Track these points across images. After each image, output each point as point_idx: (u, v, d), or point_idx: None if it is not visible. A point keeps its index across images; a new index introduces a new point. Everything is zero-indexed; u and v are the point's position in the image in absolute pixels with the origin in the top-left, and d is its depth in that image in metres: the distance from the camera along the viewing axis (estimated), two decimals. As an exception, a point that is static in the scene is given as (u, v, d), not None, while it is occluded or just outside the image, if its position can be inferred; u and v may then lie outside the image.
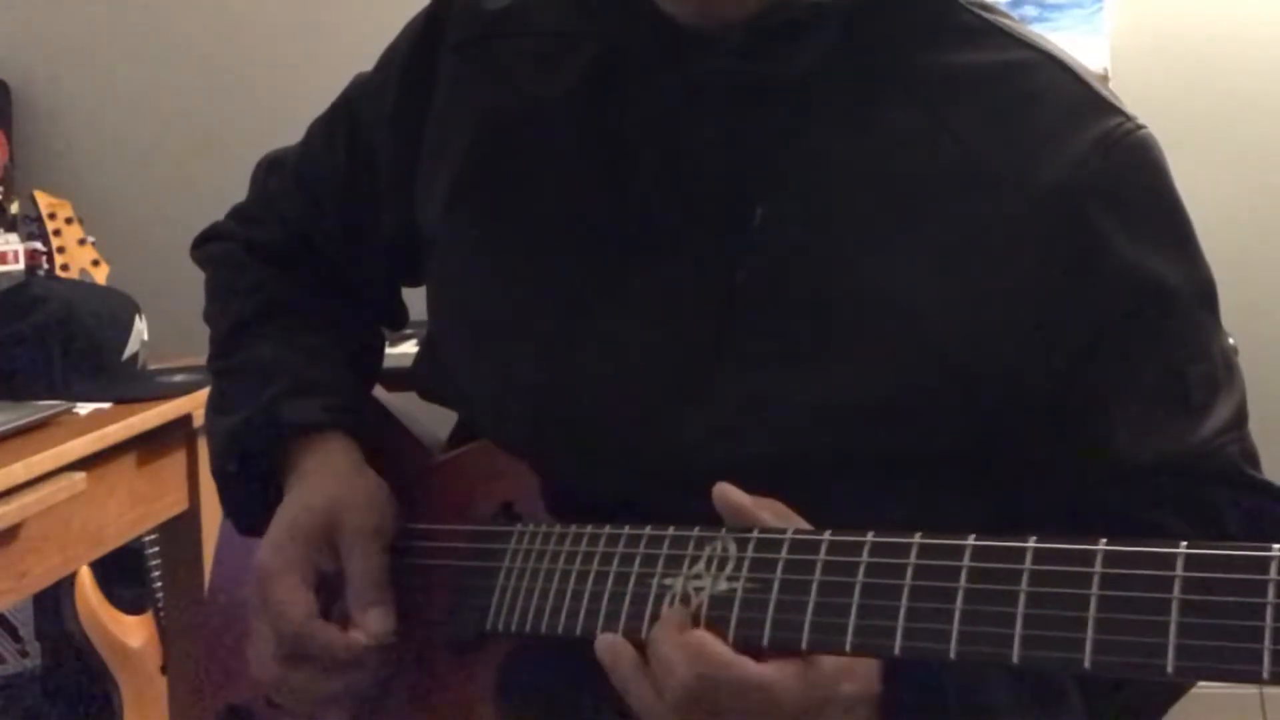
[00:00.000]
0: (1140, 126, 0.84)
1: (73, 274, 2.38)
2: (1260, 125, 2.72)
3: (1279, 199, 2.73)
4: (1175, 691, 0.85)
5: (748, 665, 0.70)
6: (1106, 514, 0.81)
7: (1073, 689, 0.79)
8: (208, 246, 1.11)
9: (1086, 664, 0.61)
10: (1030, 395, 0.82)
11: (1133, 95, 0.88)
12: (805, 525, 0.74)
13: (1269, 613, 0.56)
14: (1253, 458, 0.86)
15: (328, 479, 0.94)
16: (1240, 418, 0.86)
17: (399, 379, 1.08)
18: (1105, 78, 0.87)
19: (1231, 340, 0.92)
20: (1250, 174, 2.72)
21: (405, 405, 1.08)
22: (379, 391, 1.09)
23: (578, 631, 0.79)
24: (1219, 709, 0.78)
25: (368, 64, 1.08)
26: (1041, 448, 0.83)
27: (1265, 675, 0.56)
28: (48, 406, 1.80)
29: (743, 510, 0.74)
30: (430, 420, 1.06)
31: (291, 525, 0.91)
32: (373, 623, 0.87)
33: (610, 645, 0.75)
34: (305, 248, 1.06)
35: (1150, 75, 2.69)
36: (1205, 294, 0.86)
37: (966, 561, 0.65)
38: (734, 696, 0.70)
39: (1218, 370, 0.85)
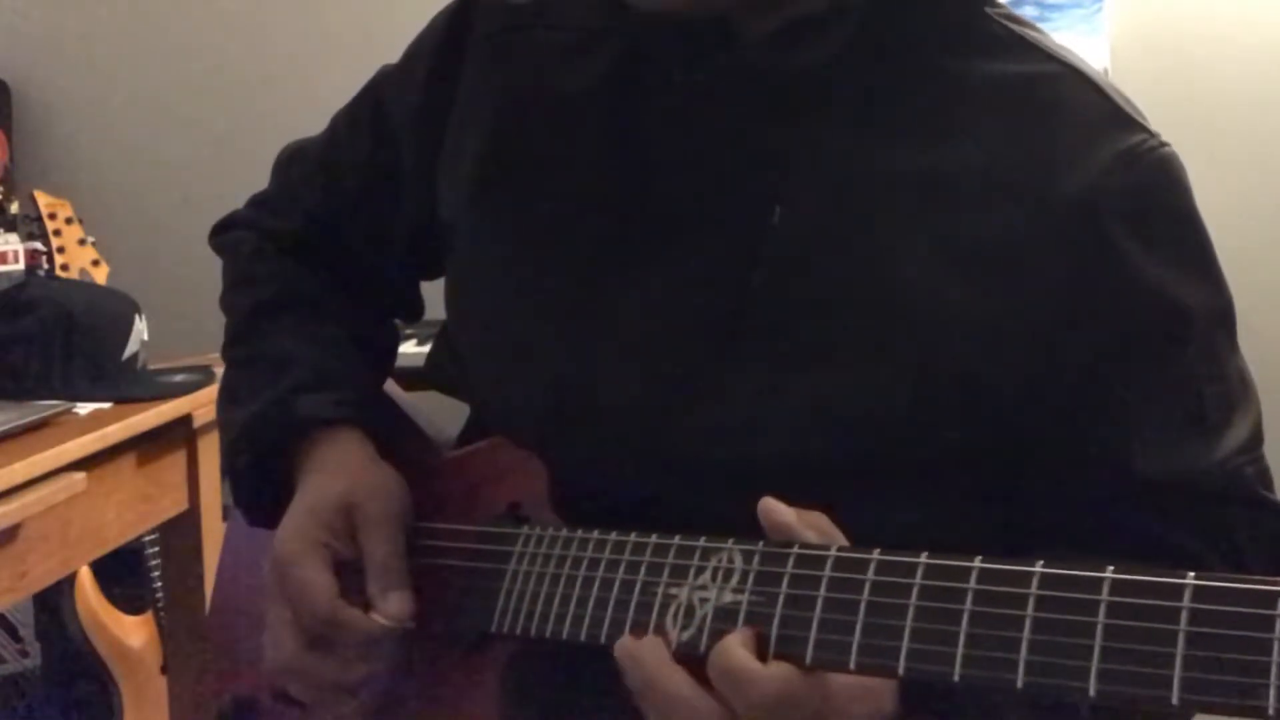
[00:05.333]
0: (1163, 144, 0.83)
1: (73, 274, 2.37)
2: (1260, 125, 2.72)
3: (1279, 199, 2.73)
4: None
5: (766, 675, 0.69)
6: (1120, 530, 0.81)
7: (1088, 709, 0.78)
8: (226, 234, 1.12)
9: (1092, 693, 0.60)
10: (1044, 406, 0.82)
11: (1133, 95, 0.87)
12: (846, 543, 0.73)
13: (1276, 648, 0.56)
14: (1267, 478, 0.86)
15: (343, 470, 0.94)
16: (1256, 438, 0.85)
17: (410, 377, 1.08)
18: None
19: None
20: (1250, 174, 2.71)
21: (416, 403, 1.08)
22: (391, 388, 1.09)
23: (582, 637, 0.79)
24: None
25: (367, 62, 1.08)
26: (1056, 460, 0.83)
27: (1271, 711, 0.55)
28: (48, 406, 1.80)
29: (787, 529, 0.72)
30: (441, 419, 1.06)
31: (309, 513, 0.91)
32: (392, 605, 0.87)
33: (627, 649, 0.74)
34: (325, 237, 1.07)
35: (1150, 75, 2.69)
36: (1223, 315, 0.86)
37: (973, 584, 0.65)
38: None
39: (1234, 390, 0.85)
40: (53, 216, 2.42)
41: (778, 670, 0.69)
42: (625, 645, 0.74)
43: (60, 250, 2.40)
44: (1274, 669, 0.55)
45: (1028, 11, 2.74)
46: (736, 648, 0.70)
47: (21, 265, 2.33)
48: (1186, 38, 2.73)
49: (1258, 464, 0.85)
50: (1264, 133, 2.72)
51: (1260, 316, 2.59)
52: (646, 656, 0.73)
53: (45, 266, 2.38)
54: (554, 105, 0.92)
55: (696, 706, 0.70)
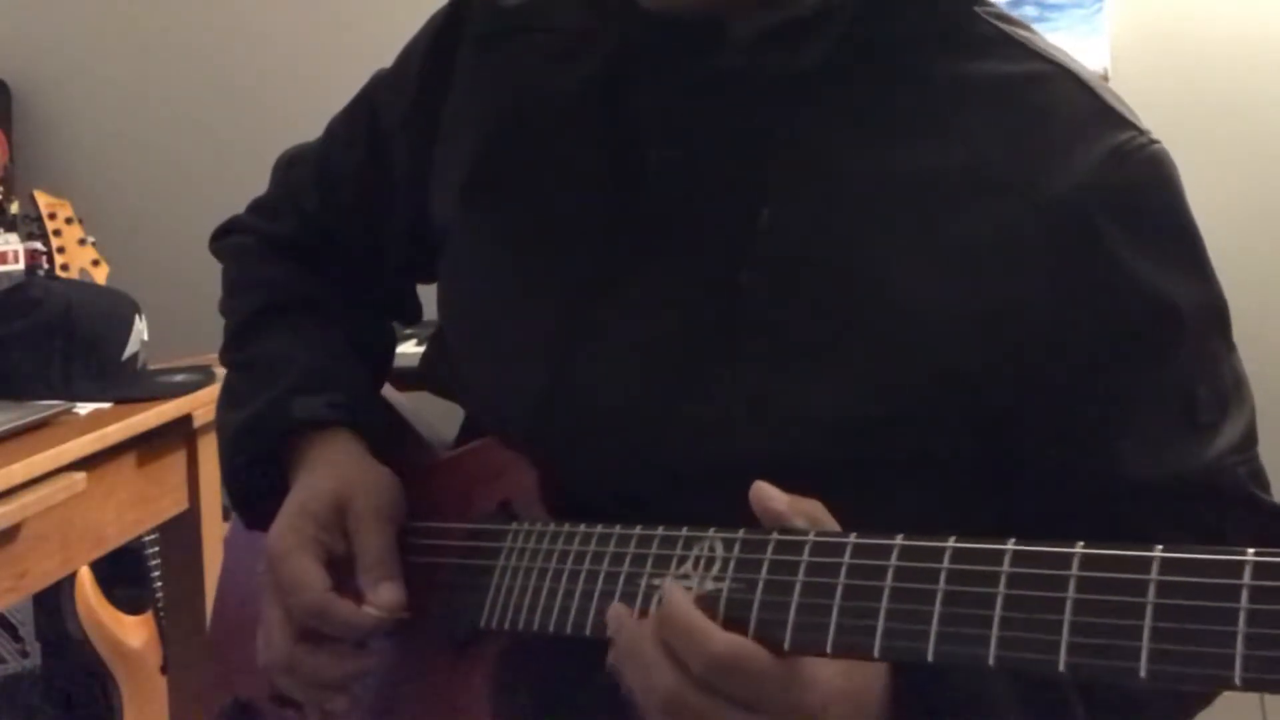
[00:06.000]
0: (1154, 141, 0.83)
1: (73, 274, 2.38)
2: (1260, 125, 2.72)
3: (1279, 199, 2.73)
4: (1184, 708, 0.85)
5: (724, 636, 0.69)
6: (1111, 529, 0.80)
7: (1077, 702, 0.78)
8: (225, 240, 1.13)
9: (1061, 667, 0.60)
10: (1037, 405, 0.82)
11: (1133, 95, 0.87)
12: (837, 528, 0.73)
13: (1242, 618, 0.56)
14: (1260, 478, 0.86)
15: (335, 467, 0.94)
16: (1249, 439, 0.85)
17: (407, 378, 1.09)
18: (1105, 78, 0.88)
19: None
20: (1250, 174, 2.71)
21: (413, 405, 1.08)
22: (388, 390, 1.09)
23: (568, 629, 0.80)
24: (1217, 707, 0.78)
25: (366, 63, 1.09)
26: (1049, 459, 0.83)
27: (1237, 681, 0.55)
28: (48, 406, 1.80)
29: (778, 516, 0.73)
30: (438, 420, 1.06)
31: (301, 508, 0.91)
32: (383, 596, 0.87)
33: (616, 613, 0.75)
34: (323, 241, 1.07)
35: (1150, 75, 2.69)
36: (1216, 314, 0.85)
37: (946, 564, 0.65)
38: (717, 673, 0.69)
39: (1227, 390, 0.85)
40: (53, 216, 2.42)
41: (733, 635, 0.69)
42: (616, 609, 0.75)
43: (60, 250, 2.40)
44: (1239, 639, 0.55)
45: (1027, 11, 2.74)
46: (685, 605, 0.70)
47: (21, 265, 2.32)
48: (1186, 38, 2.73)
49: (1251, 464, 0.85)
50: (1264, 133, 2.72)
51: (1259, 317, 2.59)
52: (630, 620, 0.74)
53: (45, 266, 2.38)
54: (546, 107, 0.92)
55: (663, 666, 0.70)
